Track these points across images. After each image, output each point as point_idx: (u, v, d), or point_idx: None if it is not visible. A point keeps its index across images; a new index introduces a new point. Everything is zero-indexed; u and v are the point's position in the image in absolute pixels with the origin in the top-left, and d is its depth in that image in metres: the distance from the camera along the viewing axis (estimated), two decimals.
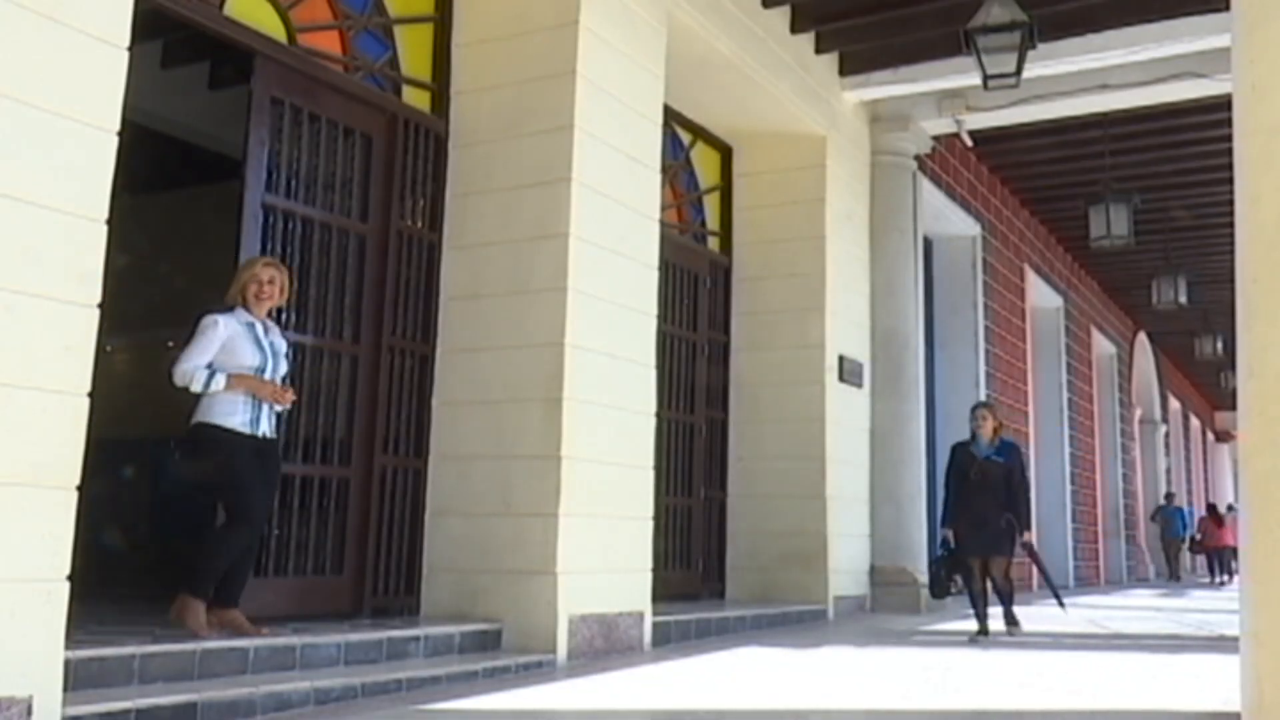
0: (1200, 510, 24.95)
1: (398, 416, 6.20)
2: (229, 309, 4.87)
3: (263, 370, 4.83)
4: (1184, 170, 12.43)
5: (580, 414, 6.04)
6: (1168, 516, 21.04)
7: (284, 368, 4.97)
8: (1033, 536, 7.50)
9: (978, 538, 7.27)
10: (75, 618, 3.72)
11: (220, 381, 4.70)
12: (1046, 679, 5.61)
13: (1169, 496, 21.79)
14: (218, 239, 5.89)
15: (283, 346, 5.01)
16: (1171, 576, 20.79)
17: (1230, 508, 21.96)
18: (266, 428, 4.87)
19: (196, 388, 4.72)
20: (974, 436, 7.46)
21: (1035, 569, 10.78)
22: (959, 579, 7.41)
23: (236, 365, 4.77)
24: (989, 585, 7.36)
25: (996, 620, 7.47)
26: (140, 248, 7.35)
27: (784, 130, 9.16)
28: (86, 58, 3.82)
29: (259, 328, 4.89)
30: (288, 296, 5.16)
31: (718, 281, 9.20)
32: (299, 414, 5.54)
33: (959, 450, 7.52)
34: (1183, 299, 14.78)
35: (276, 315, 5.18)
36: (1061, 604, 7.74)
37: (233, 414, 4.75)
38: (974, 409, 7.62)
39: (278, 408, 4.93)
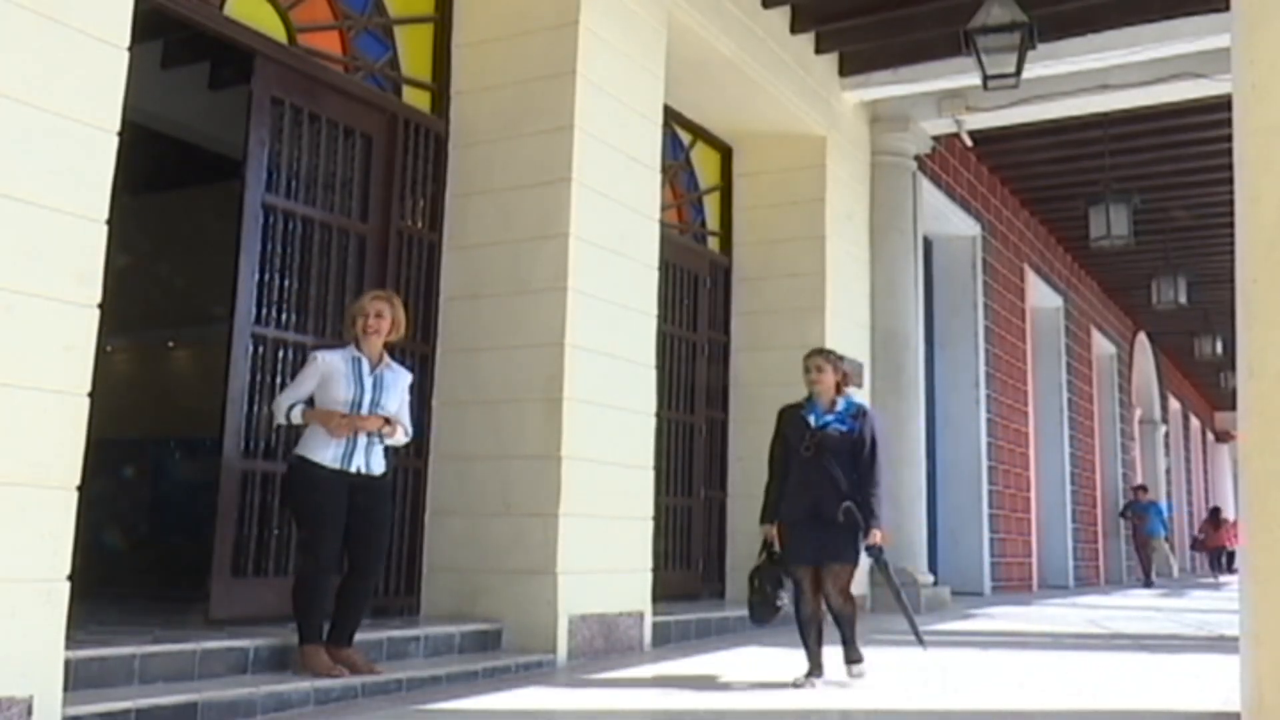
0: (1179, 506, 24.95)
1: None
2: (344, 344, 4.89)
3: (354, 405, 4.75)
4: (1184, 170, 12.42)
5: (580, 414, 6.04)
6: (1140, 512, 18.05)
7: (390, 402, 4.87)
8: (882, 537, 5.11)
9: (808, 538, 5.12)
10: (75, 618, 3.72)
11: (296, 415, 4.71)
12: (1046, 679, 5.61)
13: (1140, 490, 18.65)
14: (218, 239, 5.90)
15: (397, 380, 4.94)
16: (1146, 582, 17.48)
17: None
18: (363, 462, 4.76)
19: (279, 419, 4.80)
20: (810, 397, 5.34)
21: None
22: (785, 594, 5.26)
23: (330, 400, 4.74)
24: (823, 606, 5.23)
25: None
26: (140, 248, 7.36)
27: (784, 130, 9.16)
28: (86, 58, 3.82)
29: (364, 364, 4.83)
30: (403, 331, 5.08)
31: (718, 281, 9.20)
32: None
33: (788, 416, 5.34)
34: (1182, 299, 14.78)
35: (396, 351, 5.13)
36: (921, 641, 5.45)
37: (323, 448, 4.69)
38: (807, 358, 5.39)
39: (388, 440, 4.87)
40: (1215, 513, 24.84)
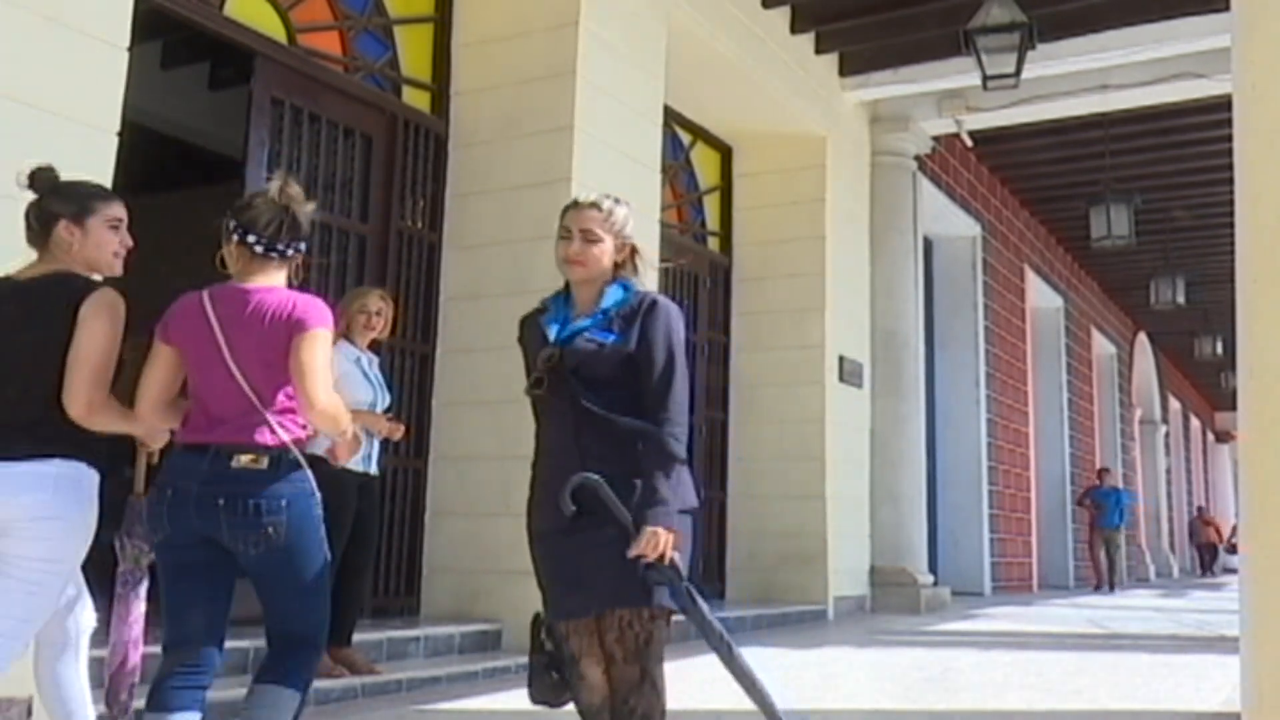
0: (1179, 506, 24.95)
1: (398, 416, 6.19)
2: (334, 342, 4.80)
3: (374, 404, 4.75)
4: (1184, 170, 12.43)
5: None
6: (1100, 500, 15.06)
7: (388, 399, 4.89)
8: (672, 542, 2.62)
9: (563, 567, 2.77)
10: None
11: None
12: (1047, 679, 5.61)
13: (1102, 473, 15.77)
14: (218, 239, 5.88)
15: (381, 377, 4.93)
16: (1101, 584, 14.80)
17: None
18: (373, 465, 4.80)
19: None
20: (564, 290, 2.96)
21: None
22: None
23: (351, 400, 4.68)
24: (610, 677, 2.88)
25: None
26: (140, 248, 7.35)
27: (784, 130, 9.16)
28: (86, 58, 3.82)
29: (364, 361, 4.82)
30: (391, 330, 5.06)
31: (718, 281, 9.21)
32: None
33: (527, 330, 2.98)
34: (1181, 299, 14.80)
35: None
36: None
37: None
38: (566, 211, 2.87)
39: (393, 437, 4.86)
40: (1200, 511, 25.03)
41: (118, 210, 2.88)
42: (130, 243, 2.93)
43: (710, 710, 4.22)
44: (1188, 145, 11.65)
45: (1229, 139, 3.49)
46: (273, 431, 2.59)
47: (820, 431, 8.92)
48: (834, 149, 9.43)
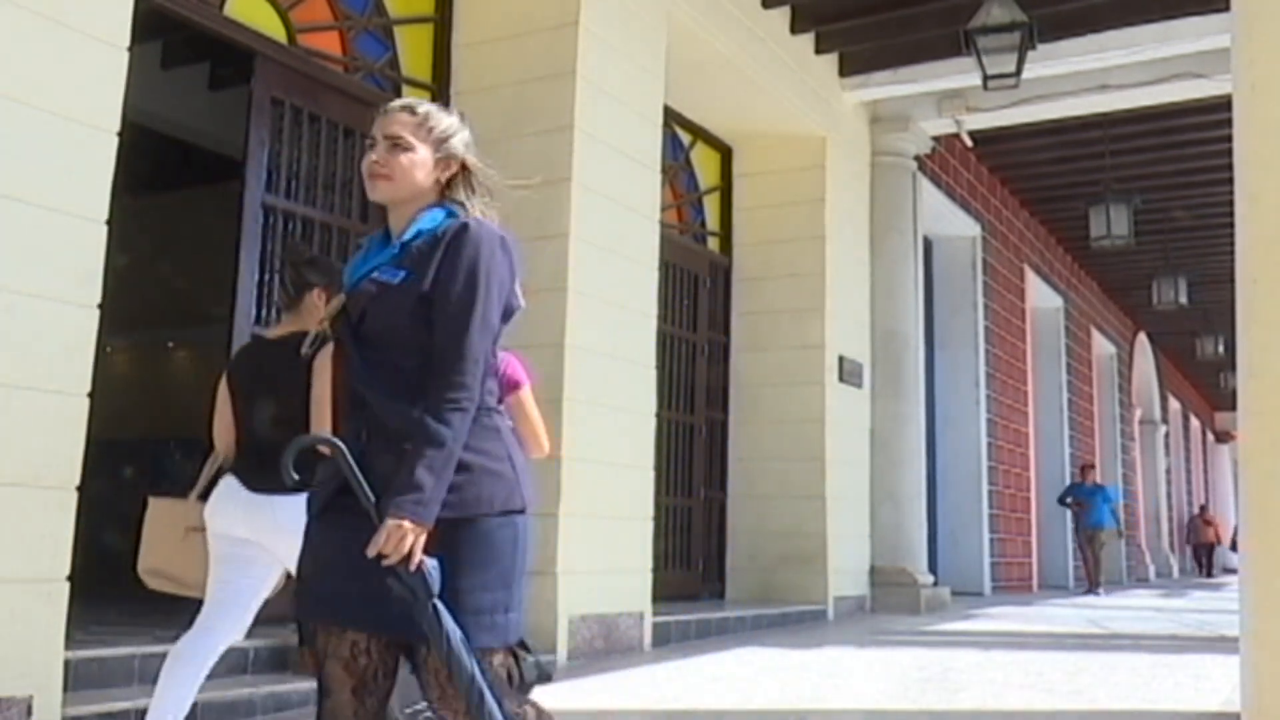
0: (1178, 506, 24.97)
1: None
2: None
3: None
4: (1184, 170, 12.43)
5: (580, 414, 6.04)
6: (1084, 498, 14.28)
7: None
8: (404, 542, 1.94)
9: (331, 566, 2.10)
10: (75, 618, 3.72)
11: None
12: (1047, 679, 5.61)
13: (1086, 469, 14.91)
14: (218, 239, 5.89)
15: None
16: (1092, 586, 14.08)
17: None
18: None
19: None
20: (385, 231, 2.25)
21: None
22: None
23: None
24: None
25: None
26: (140, 248, 7.36)
27: (784, 131, 9.16)
28: (86, 58, 3.82)
29: None
30: None
31: (718, 281, 9.20)
32: None
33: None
34: (1183, 299, 14.79)
35: None
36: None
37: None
38: (379, 118, 2.26)
39: None
40: (1203, 510, 25.08)
41: None
42: None
43: (711, 710, 4.21)
44: (1188, 145, 11.65)
45: (1229, 139, 3.49)
46: None
47: (820, 431, 8.92)
48: (834, 149, 9.43)
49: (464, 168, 2.27)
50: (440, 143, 2.24)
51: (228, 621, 3.18)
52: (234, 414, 3.28)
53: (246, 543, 3.15)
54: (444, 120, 2.26)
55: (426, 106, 2.27)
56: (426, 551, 1.97)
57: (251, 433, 3.23)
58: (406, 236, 2.15)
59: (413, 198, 2.20)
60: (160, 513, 3.39)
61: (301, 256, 3.39)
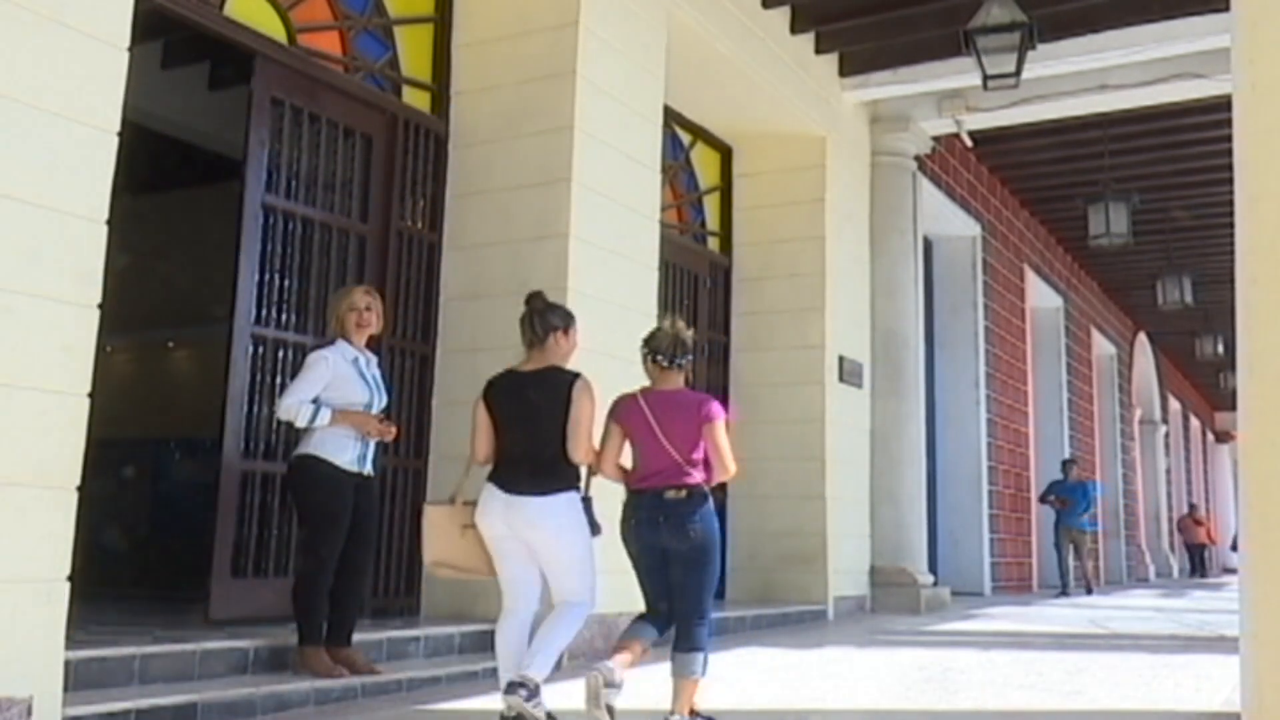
0: (1177, 506, 24.93)
1: (398, 417, 6.18)
2: (331, 343, 4.77)
3: (370, 405, 4.74)
4: (1184, 170, 12.43)
5: None
6: (1066, 495, 13.58)
7: (384, 400, 4.87)
8: None
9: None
10: (75, 618, 3.72)
11: (325, 416, 4.59)
12: (1047, 679, 5.61)
13: (1068, 465, 14.03)
14: (218, 239, 5.90)
15: (379, 377, 4.91)
16: (1091, 587, 13.77)
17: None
18: (369, 465, 4.79)
19: (301, 423, 4.60)
20: None
21: None
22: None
23: (345, 401, 4.67)
24: None
25: None
26: (140, 248, 7.36)
27: (784, 130, 9.16)
28: (86, 58, 3.82)
29: (362, 361, 4.80)
30: (384, 324, 5.07)
31: (718, 281, 9.21)
32: None
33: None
34: (1189, 299, 14.79)
35: (375, 345, 5.08)
36: None
37: (343, 451, 4.64)
38: None
39: (384, 439, 4.85)
40: (1192, 510, 25.06)
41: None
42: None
43: (711, 710, 4.22)
44: (1188, 145, 11.65)
45: (1229, 139, 3.49)
46: (689, 476, 3.98)
47: (820, 431, 8.92)
48: (834, 149, 9.43)
49: None
50: None
51: (520, 601, 4.03)
52: (495, 433, 4.06)
53: (505, 538, 3.97)
54: None
55: None
56: None
57: (511, 448, 4.03)
58: None
59: None
60: (438, 517, 4.13)
61: (543, 304, 4.15)
